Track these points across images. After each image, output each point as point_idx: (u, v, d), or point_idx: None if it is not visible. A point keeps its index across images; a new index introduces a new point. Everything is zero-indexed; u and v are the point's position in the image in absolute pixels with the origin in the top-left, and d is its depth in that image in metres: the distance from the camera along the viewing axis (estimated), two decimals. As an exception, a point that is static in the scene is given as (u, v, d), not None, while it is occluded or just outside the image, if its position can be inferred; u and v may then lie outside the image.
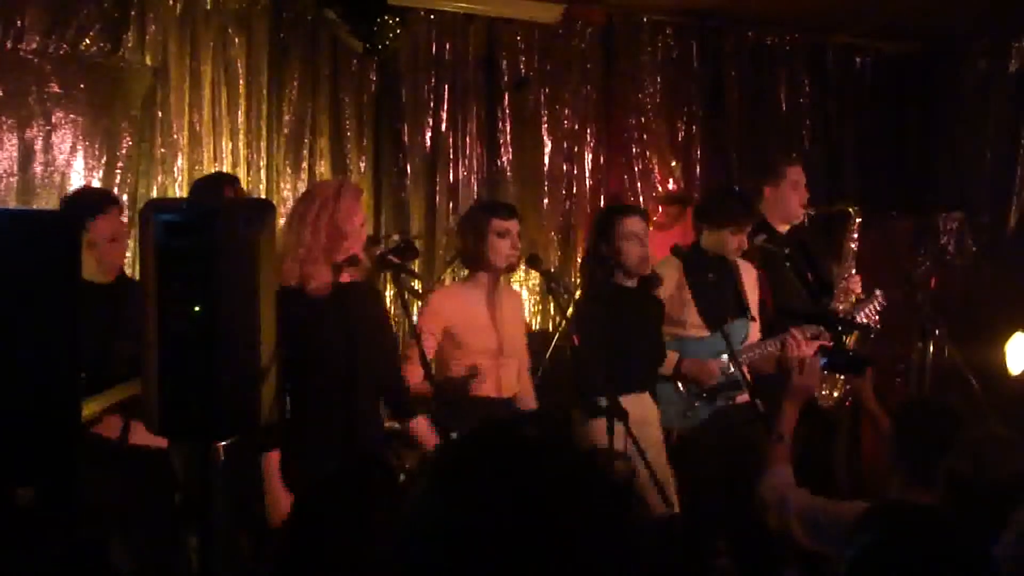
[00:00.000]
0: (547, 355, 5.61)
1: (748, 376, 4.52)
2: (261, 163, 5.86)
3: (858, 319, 5.06)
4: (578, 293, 4.75)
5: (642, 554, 1.33)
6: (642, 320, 4.62)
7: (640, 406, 4.45)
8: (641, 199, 6.71)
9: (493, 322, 4.40)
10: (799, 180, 5.32)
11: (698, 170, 7.02)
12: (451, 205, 6.34)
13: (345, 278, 3.85)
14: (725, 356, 4.67)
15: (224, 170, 5.61)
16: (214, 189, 4.61)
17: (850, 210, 5.46)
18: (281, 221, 5.66)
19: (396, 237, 5.51)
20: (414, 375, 4.10)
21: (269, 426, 2.82)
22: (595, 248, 4.65)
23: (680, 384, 4.80)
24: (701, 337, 4.82)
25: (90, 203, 4.29)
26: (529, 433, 1.36)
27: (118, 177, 5.48)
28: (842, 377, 5.39)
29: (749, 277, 5.05)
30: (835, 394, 5.33)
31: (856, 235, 5.40)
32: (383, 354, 4.00)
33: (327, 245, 3.73)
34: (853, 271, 5.35)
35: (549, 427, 1.37)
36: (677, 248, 4.87)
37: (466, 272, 5.50)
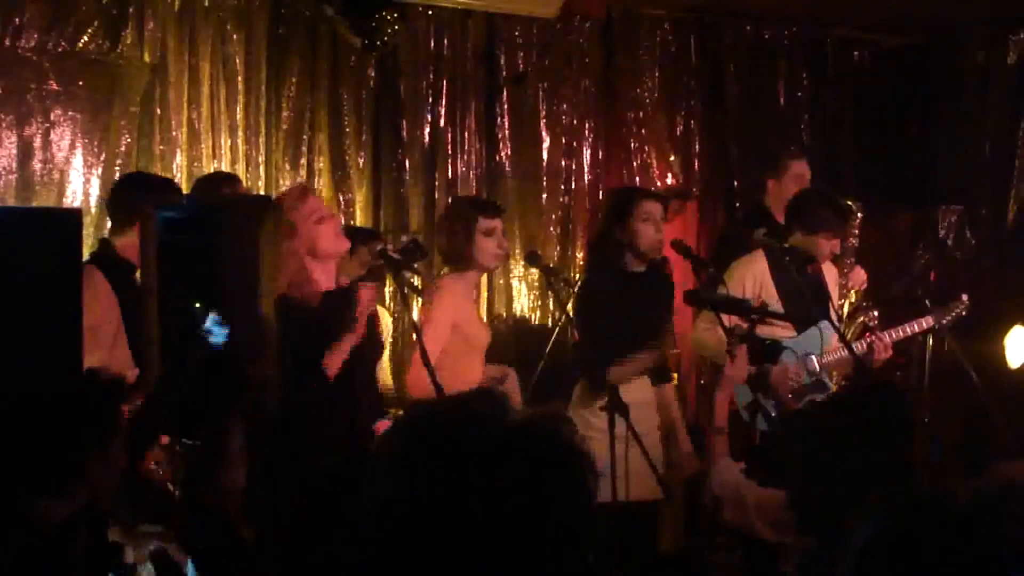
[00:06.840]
0: (547, 350, 5.61)
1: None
2: (260, 159, 5.86)
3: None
4: (577, 276, 4.63)
5: (589, 519, 1.38)
6: (649, 305, 4.49)
7: (641, 390, 4.39)
8: (640, 194, 6.70)
9: (482, 320, 4.39)
10: (803, 174, 5.27)
11: (697, 164, 7.03)
12: (450, 200, 6.33)
13: (344, 281, 3.82)
14: (813, 356, 4.55)
15: (222, 166, 5.63)
16: (211, 189, 4.62)
17: (851, 205, 5.32)
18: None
19: (404, 238, 5.46)
20: (419, 379, 3.87)
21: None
22: (608, 230, 4.45)
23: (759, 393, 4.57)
24: (787, 337, 4.61)
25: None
26: (474, 407, 1.42)
27: (117, 173, 5.46)
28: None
29: (831, 277, 4.91)
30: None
31: (856, 230, 5.32)
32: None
33: (309, 254, 3.66)
34: (854, 264, 5.27)
35: (493, 402, 1.42)
36: (759, 241, 4.66)
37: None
